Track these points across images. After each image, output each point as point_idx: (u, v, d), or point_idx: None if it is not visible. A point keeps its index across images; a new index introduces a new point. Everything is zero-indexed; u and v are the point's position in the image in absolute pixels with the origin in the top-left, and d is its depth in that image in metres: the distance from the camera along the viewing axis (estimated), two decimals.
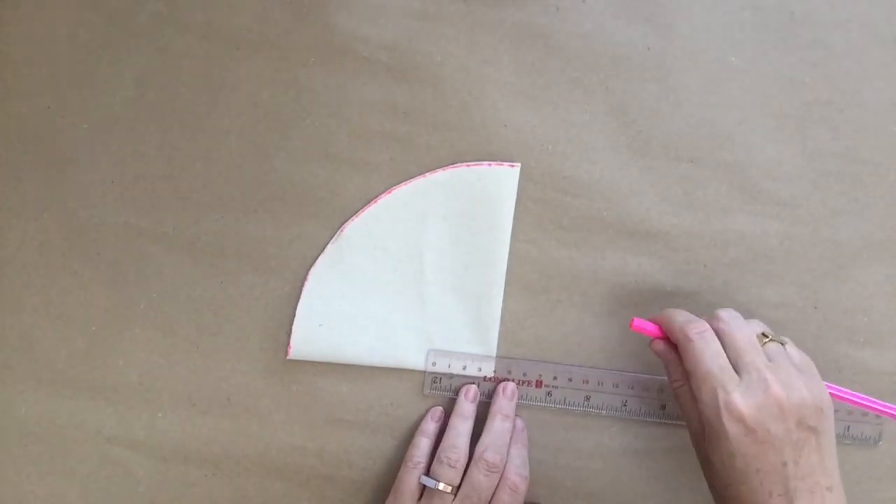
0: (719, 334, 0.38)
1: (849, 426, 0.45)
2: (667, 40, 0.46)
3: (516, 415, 0.44)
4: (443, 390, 0.45)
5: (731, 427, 0.34)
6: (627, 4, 0.46)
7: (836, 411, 0.41)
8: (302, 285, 0.45)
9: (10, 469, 0.45)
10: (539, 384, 0.45)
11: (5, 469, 0.45)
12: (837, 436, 0.43)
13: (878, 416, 0.45)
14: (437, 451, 0.42)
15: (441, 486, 0.41)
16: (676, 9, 0.46)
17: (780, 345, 0.38)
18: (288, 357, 0.45)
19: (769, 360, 0.37)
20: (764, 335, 0.38)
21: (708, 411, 0.35)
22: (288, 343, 0.45)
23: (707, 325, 0.38)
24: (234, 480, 0.45)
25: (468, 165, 0.45)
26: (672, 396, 0.41)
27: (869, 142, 0.46)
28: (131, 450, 0.45)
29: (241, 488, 0.45)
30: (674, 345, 0.39)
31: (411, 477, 0.42)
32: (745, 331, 0.37)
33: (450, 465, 0.41)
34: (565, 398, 0.45)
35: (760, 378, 0.35)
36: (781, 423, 0.35)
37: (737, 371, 0.36)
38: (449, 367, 0.45)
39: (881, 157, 0.46)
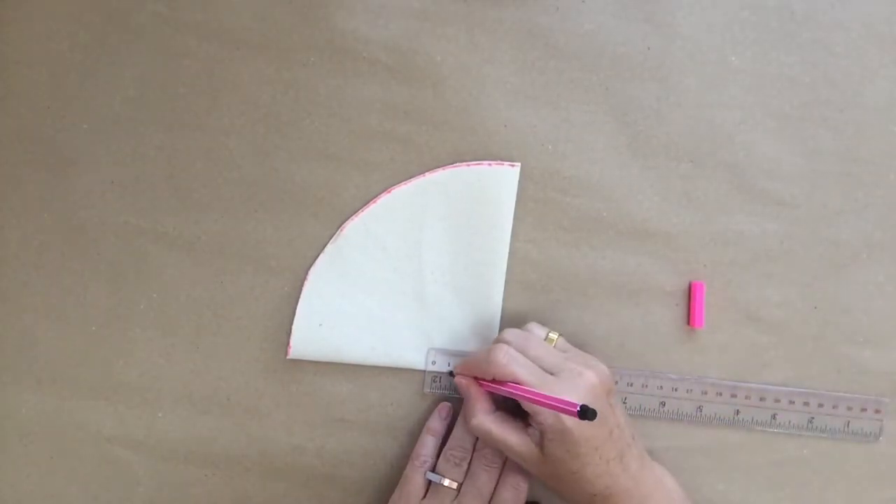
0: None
1: (848, 422, 0.45)
2: (667, 40, 0.46)
3: None
4: (443, 389, 0.45)
5: (570, 421, 0.37)
6: (627, 4, 0.46)
7: (834, 407, 0.45)
8: (302, 285, 0.45)
9: (10, 469, 0.45)
10: None
11: (5, 469, 0.45)
12: (838, 431, 0.44)
13: (877, 412, 0.45)
14: (444, 449, 0.42)
15: (447, 482, 0.41)
16: (676, 9, 0.46)
17: (560, 337, 0.43)
18: (288, 357, 0.45)
19: (564, 352, 0.41)
20: (548, 337, 0.42)
21: (547, 418, 0.37)
22: (288, 343, 0.45)
23: (506, 347, 0.40)
24: (234, 480, 0.45)
25: (468, 165, 0.45)
26: (480, 433, 0.41)
27: (869, 142, 0.46)
28: (131, 450, 0.45)
29: (241, 488, 0.45)
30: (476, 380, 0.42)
31: (417, 475, 0.42)
32: (534, 341, 0.41)
33: (455, 464, 0.42)
34: None
35: (571, 371, 0.39)
36: (600, 400, 0.39)
37: (550, 374, 0.39)
38: (449, 365, 0.45)
39: (881, 157, 0.46)
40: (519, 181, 0.45)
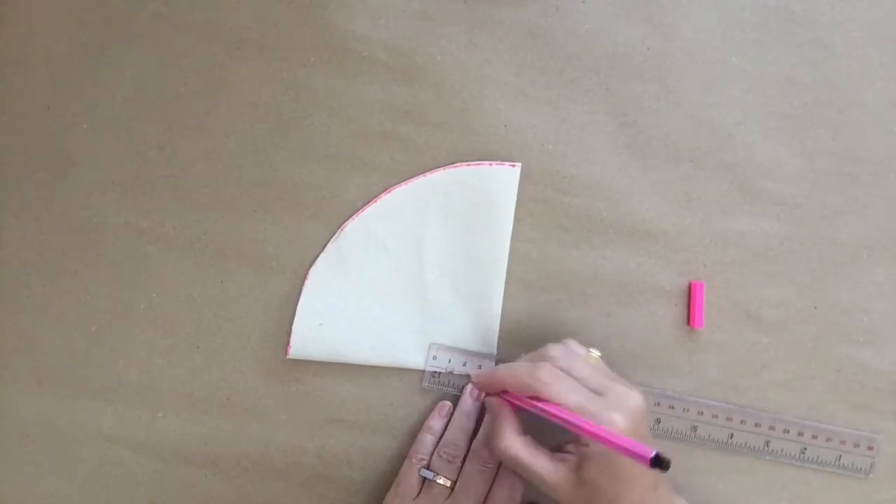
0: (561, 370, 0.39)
1: (840, 456, 0.45)
2: (667, 40, 0.46)
3: None
4: (442, 385, 0.45)
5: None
6: (627, 4, 0.46)
7: (828, 440, 0.45)
8: (302, 285, 0.45)
9: (10, 469, 0.45)
10: None
11: (5, 469, 0.45)
12: (829, 464, 0.45)
13: (870, 449, 0.45)
14: (438, 447, 0.43)
15: (441, 480, 0.41)
16: (676, 9, 0.46)
17: (600, 357, 0.40)
18: (288, 357, 0.45)
19: (601, 373, 0.39)
20: (588, 354, 0.40)
21: (598, 443, 0.36)
22: (288, 343, 0.45)
23: (549, 365, 0.38)
24: (234, 480, 0.45)
25: (468, 165, 0.45)
26: (507, 457, 0.39)
27: (869, 142, 0.46)
28: (131, 450, 0.45)
29: (241, 488, 0.45)
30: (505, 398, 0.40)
31: (413, 471, 0.42)
32: (578, 359, 0.39)
33: (449, 461, 0.42)
34: None
35: (618, 391, 0.37)
36: (644, 424, 0.37)
37: (595, 393, 0.37)
38: (449, 361, 0.45)
39: (881, 157, 0.46)
40: (519, 181, 0.45)
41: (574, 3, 0.46)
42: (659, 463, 0.31)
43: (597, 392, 0.37)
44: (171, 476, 0.45)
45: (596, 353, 0.41)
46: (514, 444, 0.38)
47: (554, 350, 0.39)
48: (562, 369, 0.38)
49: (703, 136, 0.46)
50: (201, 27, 0.46)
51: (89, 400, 0.46)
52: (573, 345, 0.41)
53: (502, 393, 0.40)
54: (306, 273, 0.45)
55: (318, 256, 0.46)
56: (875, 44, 0.46)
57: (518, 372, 0.39)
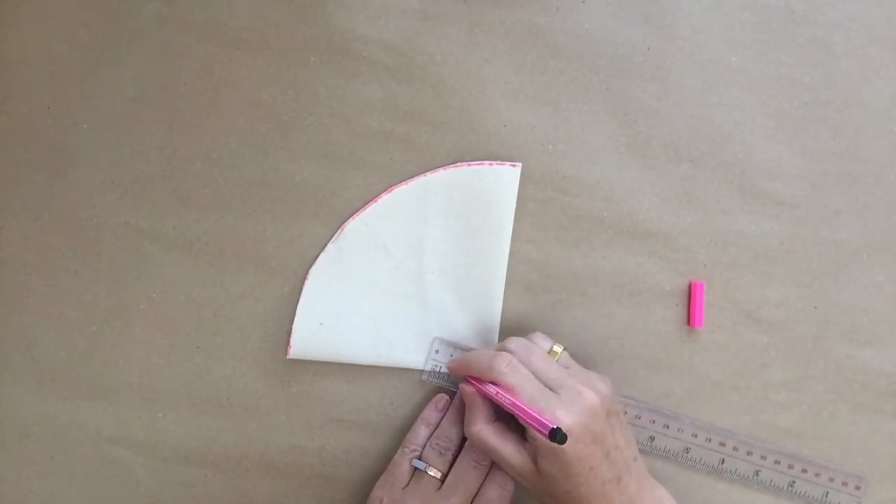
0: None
1: (827, 492, 0.44)
2: (667, 40, 0.46)
3: None
4: (441, 381, 0.45)
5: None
6: (627, 4, 0.46)
7: (817, 475, 0.44)
8: (302, 285, 0.45)
9: (10, 469, 0.45)
10: None
11: (5, 469, 0.45)
12: (815, 500, 0.44)
13: (857, 489, 0.44)
14: (431, 438, 0.43)
15: (431, 471, 0.41)
16: (676, 9, 0.46)
17: (564, 351, 0.42)
18: (288, 357, 0.45)
19: (566, 367, 0.41)
20: (552, 350, 0.42)
21: (540, 435, 0.37)
22: (288, 343, 0.45)
23: (510, 356, 0.40)
24: (234, 480, 0.45)
25: (468, 165, 0.45)
26: (478, 441, 0.40)
27: (869, 142, 0.46)
28: (131, 450, 0.45)
29: (241, 488, 0.45)
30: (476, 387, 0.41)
31: (405, 461, 0.42)
32: (538, 353, 0.41)
33: (441, 453, 0.42)
34: None
35: (572, 389, 0.39)
36: (598, 421, 0.38)
37: (550, 389, 0.39)
38: (451, 356, 0.45)
39: (881, 157, 0.46)
40: (519, 181, 0.45)
41: (574, 3, 0.46)
42: (555, 436, 0.35)
43: (551, 386, 0.39)
44: (171, 476, 0.45)
45: (559, 347, 0.42)
46: (484, 429, 0.40)
47: (514, 343, 0.41)
48: (521, 362, 0.40)
49: (703, 136, 0.46)
50: (201, 27, 0.46)
51: (89, 400, 0.46)
52: (538, 338, 0.42)
53: (470, 378, 0.42)
54: (306, 273, 0.45)
55: (318, 256, 0.46)
56: (875, 44, 0.46)
57: (478, 360, 0.41)
